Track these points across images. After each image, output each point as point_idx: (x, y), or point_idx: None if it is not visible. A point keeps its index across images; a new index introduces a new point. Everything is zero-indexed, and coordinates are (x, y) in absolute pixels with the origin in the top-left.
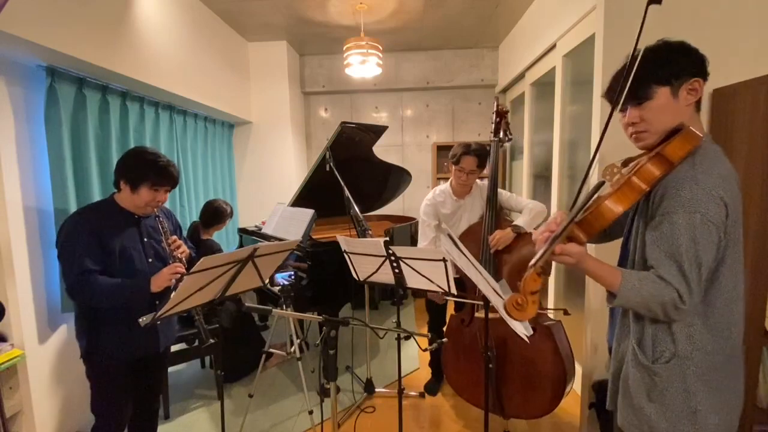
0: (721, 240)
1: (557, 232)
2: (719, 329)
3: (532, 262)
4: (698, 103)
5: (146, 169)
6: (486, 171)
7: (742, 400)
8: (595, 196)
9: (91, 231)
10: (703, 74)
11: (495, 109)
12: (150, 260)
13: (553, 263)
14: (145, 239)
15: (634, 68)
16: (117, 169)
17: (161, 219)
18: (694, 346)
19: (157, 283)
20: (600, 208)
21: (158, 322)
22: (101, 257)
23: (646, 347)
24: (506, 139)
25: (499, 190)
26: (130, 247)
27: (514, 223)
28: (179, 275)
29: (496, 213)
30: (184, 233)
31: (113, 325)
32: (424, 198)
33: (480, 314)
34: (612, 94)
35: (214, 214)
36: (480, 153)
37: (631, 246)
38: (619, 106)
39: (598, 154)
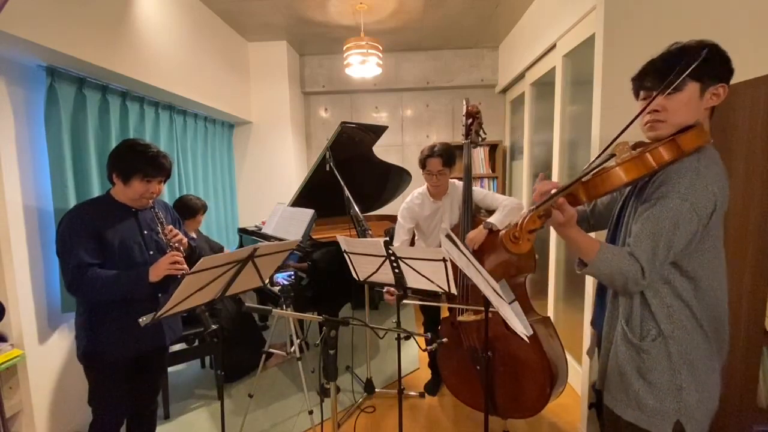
0: (698, 232)
1: (563, 186)
2: (697, 312)
3: (535, 206)
4: (713, 110)
5: (136, 160)
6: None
7: (720, 382)
8: (603, 165)
9: (89, 225)
10: (728, 83)
11: (465, 110)
12: (151, 252)
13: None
14: (146, 232)
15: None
16: (108, 163)
17: (156, 210)
18: (674, 325)
19: (156, 272)
20: (609, 173)
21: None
22: (100, 251)
23: (634, 326)
24: (479, 140)
25: (475, 189)
26: (129, 240)
27: (486, 220)
28: (178, 264)
29: (473, 213)
30: None
31: (117, 322)
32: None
33: (462, 318)
34: (642, 78)
35: (181, 208)
36: (444, 153)
37: (622, 232)
38: (642, 93)
39: (622, 135)
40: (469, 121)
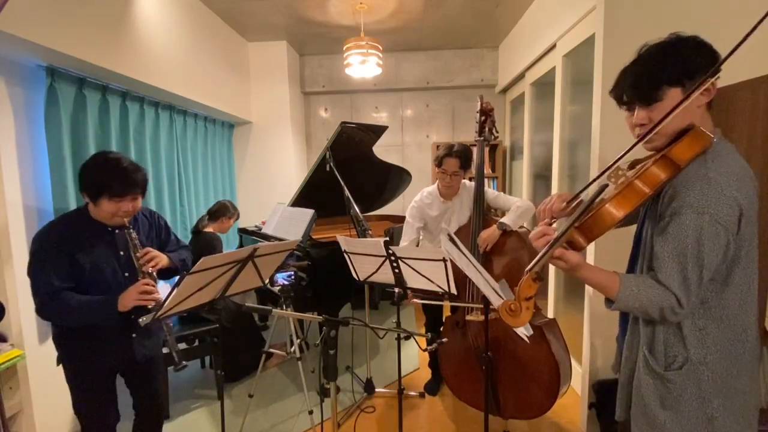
0: (730, 243)
1: (556, 236)
2: (734, 332)
3: (529, 267)
4: (710, 103)
5: (104, 178)
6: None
7: (760, 401)
8: (598, 198)
9: (61, 246)
10: (718, 73)
11: (479, 107)
12: (126, 275)
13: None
14: (122, 252)
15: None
16: (79, 181)
17: (130, 231)
18: (707, 350)
19: (124, 302)
20: (600, 212)
21: (133, 336)
22: (71, 274)
23: (658, 353)
24: (492, 137)
25: (486, 189)
26: (102, 263)
27: (500, 221)
28: (147, 294)
29: (484, 213)
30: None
31: (85, 337)
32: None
33: (471, 317)
34: (618, 91)
35: (217, 209)
36: (462, 154)
37: (641, 249)
38: (625, 105)
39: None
40: (483, 118)
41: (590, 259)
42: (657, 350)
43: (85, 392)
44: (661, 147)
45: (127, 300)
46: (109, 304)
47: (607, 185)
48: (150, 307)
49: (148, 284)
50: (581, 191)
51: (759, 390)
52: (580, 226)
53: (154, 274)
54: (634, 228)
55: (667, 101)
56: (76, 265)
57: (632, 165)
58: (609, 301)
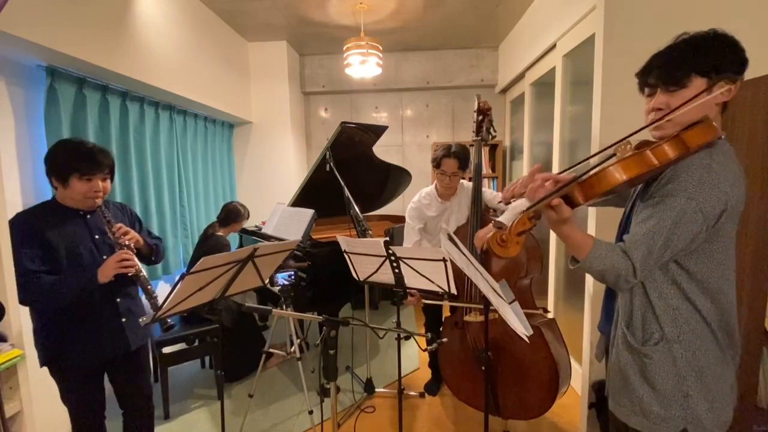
0: (702, 233)
1: (558, 187)
2: (707, 316)
3: (525, 209)
4: (725, 105)
5: (70, 159)
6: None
7: (734, 391)
8: (603, 164)
9: (33, 231)
10: (742, 76)
11: (477, 107)
12: (104, 257)
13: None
14: (97, 236)
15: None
16: (45, 167)
17: (103, 209)
18: (680, 329)
19: (104, 272)
20: (604, 172)
21: (123, 320)
22: (46, 258)
23: (636, 329)
24: (489, 137)
25: (484, 189)
26: (78, 246)
27: (496, 219)
28: (126, 261)
29: (482, 213)
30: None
31: (69, 331)
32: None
33: (468, 317)
34: (645, 74)
35: (228, 212)
36: (461, 155)
37: (628, 229)
38: (646, 89)
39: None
40: (480, 118)
41: None
42: (635, 326)
43: (72, 387)
44: (668, 136)
45: (107, 269)
46: (87, 276)
47: (614, 155)
48: (130, 275)
49: (126, 253)
50: (577, 164)
51: (730, 375)
52: (581, 183)
53: (132, 246)
54: None
55: (690, 90)
56: (49, 248)
57: (639, 146)
58: (574, 260)
